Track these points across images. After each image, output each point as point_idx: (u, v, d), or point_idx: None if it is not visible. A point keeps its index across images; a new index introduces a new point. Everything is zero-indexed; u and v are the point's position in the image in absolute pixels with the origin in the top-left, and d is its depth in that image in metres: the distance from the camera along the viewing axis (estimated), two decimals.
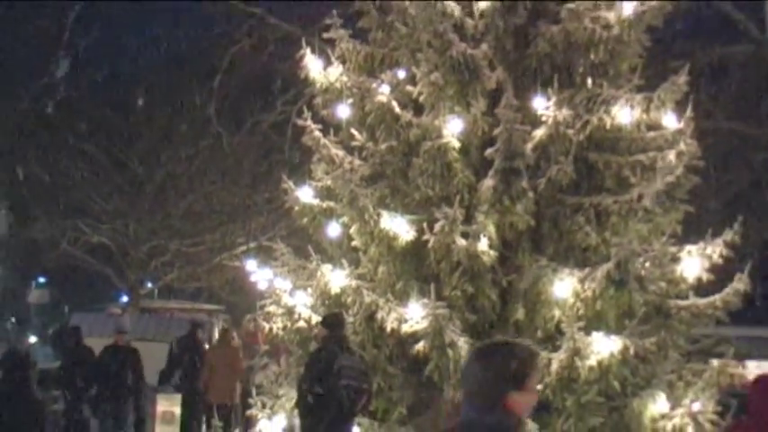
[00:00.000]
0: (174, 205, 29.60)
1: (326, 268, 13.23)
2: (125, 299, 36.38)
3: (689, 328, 13.28)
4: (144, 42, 31.05)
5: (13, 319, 55.87)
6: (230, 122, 27.50)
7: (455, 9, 13.41)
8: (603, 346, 12.27)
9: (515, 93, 13.03)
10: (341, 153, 13.86)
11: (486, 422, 4.79)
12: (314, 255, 13.51)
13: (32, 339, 36.04)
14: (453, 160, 13.00)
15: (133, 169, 29.89)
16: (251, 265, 14.74)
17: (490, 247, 12.70)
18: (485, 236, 12.66)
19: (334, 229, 13.68)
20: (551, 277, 12.66)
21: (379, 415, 12.81)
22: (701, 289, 13.27)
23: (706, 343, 13.48)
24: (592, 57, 13.54)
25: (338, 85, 13.85)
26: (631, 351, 12.36)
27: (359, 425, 12.40)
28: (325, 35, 14.10)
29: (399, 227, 12.94)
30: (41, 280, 55.08)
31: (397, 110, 13.41)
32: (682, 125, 13.38)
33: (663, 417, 12.48)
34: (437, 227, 12.58)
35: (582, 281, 12.50)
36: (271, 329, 13.90)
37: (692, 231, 13.49)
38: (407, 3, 13.68)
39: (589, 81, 13.58)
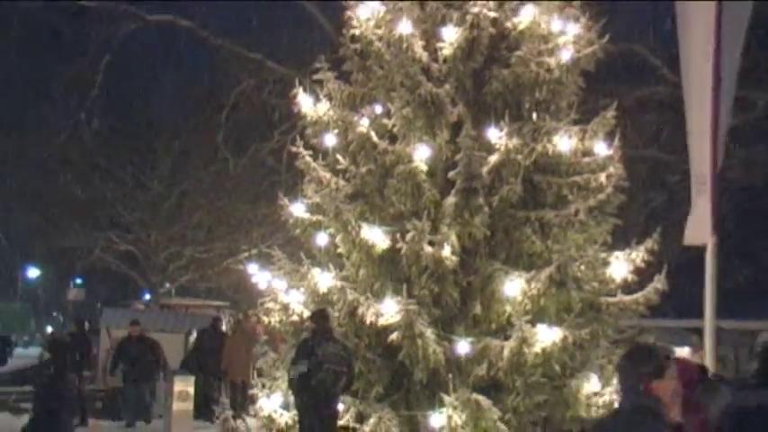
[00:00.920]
0: (188, 218, 29.59)
1: (316, 271, 13.22)
2: (147, 297, 36.26)
3: (617, 320, 13.36)
4: (163, 84, 30.95)
5: (56, 313, 55.73)
6: (236, 149, 27.46)
7: (423, 55, 13.43)
8: (546, 336, 12.35)
9: (473, 125, 13.09)
10: (328, 175, 13.86)
11: (637, 403, 5.22)
12: (305, 260, 13.50)
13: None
14: (422, 181, 13.03)
15: (154, 188, 29.87)
16: (253, 268, 14.65)
17: (452, 253, 12.74)
18: (448, 244, 12.70)
19: (322, 239, 13.66)
20: (503, 278, 12.70)
21: (360, 393, 12.78)
22: (627, 288, 13.33)
23: (631, 332, 13.51)
24: (537, 95, 13.61)
25: (325, 118, 13.85)
26: (569, 340, 12.50)
27: (342, 402, 12.37)
28: (315, 77, 14.10)
29: (377, 237, 12.95)
30: (78, 281, 54.91)
31: (375, 139, 13.44)
32: (611, 152, 13.50)
33: (595, 394, 12.58)
34: (408, 237, 12.64)
35: (529, 281, 12.55)
36: (269, 322, 13.90)
37: (619, 240, 13.54)
38: (383, 50, 13.70)
39: (534, 115, 13.61)
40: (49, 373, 11.14)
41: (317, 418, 12.10)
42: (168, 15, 26.03)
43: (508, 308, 12.65)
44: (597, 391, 12.54)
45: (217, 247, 29.44)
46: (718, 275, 12.91)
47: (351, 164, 13.79)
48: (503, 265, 12.89)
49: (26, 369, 25.30)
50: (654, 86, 23.58)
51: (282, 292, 13.59)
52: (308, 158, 13.94)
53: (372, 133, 13.46)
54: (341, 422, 12.39)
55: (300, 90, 14.04)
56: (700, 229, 12.84)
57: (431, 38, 13.52)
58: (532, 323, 12.40)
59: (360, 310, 12.69)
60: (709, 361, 10.68)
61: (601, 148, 13.48)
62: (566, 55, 13.55)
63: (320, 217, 13.68)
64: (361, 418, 12.46)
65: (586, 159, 13.47)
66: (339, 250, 13.42)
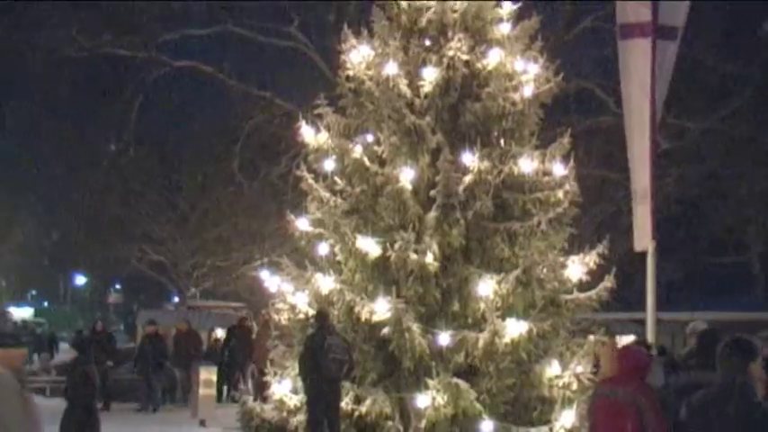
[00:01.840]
0: (209, 233, 29.53)
1: (318, 276, 13.13)
2: (176, 299, 36.15)
3: (573, 314, 13.29)
4: (189, 118, 30.89)
5: (99, 314, 55.50)
6: (249, 174, 27.37)
7: (407, 92, 13.37)
8: (514, 329, 12.31)
9: (450, 150, 13.02)
10: (327, 194, 13.77)
11: (741, 381, 5.43)
12: (309, 266, 13.39)
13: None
14: (407, 199, 12.95)
15: (180, 208, 29.84)
16: (265, 274, 14.52)
17: (434, 259, 12.69)
18: (430, 252, 12.65)
19: (323, 248, 13.56)
20: (477, 280, 12.63)
21: (357, 379, 12.69)
22: (582, 286, 13.28)
23: (585, 324, 13.45)
24: (503, 125, 13.56)
25: (325, 146, 13.77)
26: (534, 331, 12.47)
27: (342, 387, 12.28)
28: (316, 111, 14.01)
29: (370, 246, 12.86)
30: (117, 286, 54.79)
31: (367, 163, 13.37)
32: (566, 172, 13.44)
33: (556, 377, 12.54)
34: (396, 246, 12.57)
35: (499, 282, 12.51)
36: (279, 320, 13.78)
37: (574, 246, 13.49)
38: (373, 88, 13.66)
39: (502, 142, 13.58)
40: (77, 366, 10.89)
41: (324, 400, 12.02)
42: (192, 62, 26.03)
43: (482, 305, 12.56)
44: (558, 374, 12.53)
45: (234, 257, 29.32)
46: (656, 274, 12.96)
47: (347, 185, 13.72)
48: (477, 269, 12.81)
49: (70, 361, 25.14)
50: (601, 116, 23.58)
51: (290, 294, 13.48)
52: (310, 181, 13.85)
53: (365, 158, 13.40)
54: (341, 403, 12.31)
55: (303, 123, 13.96)
56: (642, 235, 12.84)
57: (413, 77, 13.45)
58: (502, 318, 12.37)
59: (356, 309, 12.62)
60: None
61: (558, 169, 13.42)
62: (527, 91, 13.54)
63: (321, 230, 13.58)
64: (358, 401, 12.36)
65: (546, 178, 13.41)
66: (338, 258, 13.34)
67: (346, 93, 14.06)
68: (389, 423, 12.25)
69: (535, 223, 12.98)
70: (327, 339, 12.11)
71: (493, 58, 13.50)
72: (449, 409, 12.11)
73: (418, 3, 13.75)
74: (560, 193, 13.20)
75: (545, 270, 12.85)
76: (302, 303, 13.32)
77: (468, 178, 12.90)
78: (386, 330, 12.36)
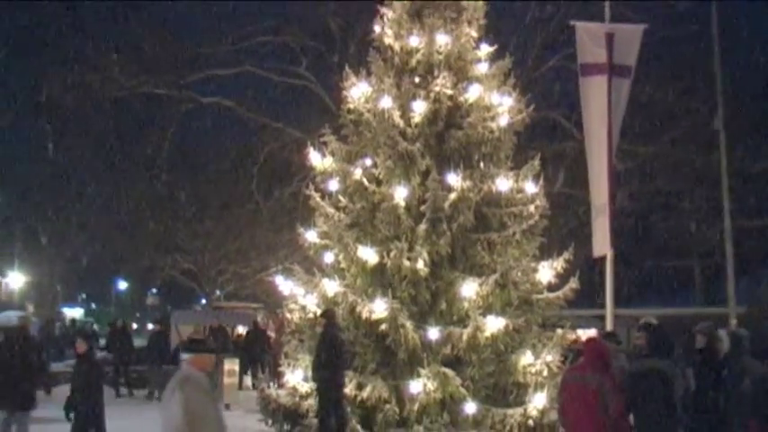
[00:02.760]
0: (231, 244, 29.40)
1: (325, 281, 13.04)
2: (203, 301, 35.95)
3: (544, 311, 13.21)
4: (212, 146, 30.83)
5: (138, 315, 55.38)
6: (265, 193, 27.30)
7: (399, 122, 13.33)
8: (493, 324, 12.28)
9: (438, 172, 12.99)
10: (332, 210, 13.71)
11: None
12: (317, 273, 13.33)
13: (150, 326, 35.42)
14: (400, 213, 12.89)
15: (206, 223, 29.73)
16: (279, 279, 14.42)
17: (424, 265, 12.62)
18: (421, 259, 12.58)
19: (329, 257, 13.49)
20: (462, 283, 12.57)
21: (359, 369, 12.59)
22: (551, 287, 13.24)
23: (554, 320, 13.38)
24: (483, 150, 13.52)
25: (330, 169, 13.72)
26: (510, 326, 12.44)
27: (346, 375, 12.17)
28: (322, 139, 13.97)
29: (369, 255, 12.79)
30: (154, 291, 54.62)
31: (366, 183, 13.33)
32: (537, 189, 13.41)
33: (530, 365, 12.50)
34: (392, 254, 12.55)
35: (480, 285, 12.47)
36: (292, 319, 13.68)
37: (544, 253, 13.42)
38: (371, 119, 13.60)
39: (482, 164, 13.52)
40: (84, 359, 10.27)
41: (330, 387, 11.89)
42: (216, 97, 25.98)
43: (465, 304, 12.53)
44: (531, 362, 12.49)
45: (253, 265, 29.18)
46: (614, 277, 12.90)
47: (349, 202, 13.66)
48: (461, 273, 12.75)
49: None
50: (565, 142, 23.54)
51: (301, 297, 13.42)
52: (317, 199, 13.80)
53: (364, 179, 13.36)
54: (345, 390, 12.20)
55: (311, 149, 13.91)
56: (603, 244, 12.77)
57: (405, 110, 13.41)
58: (483, 315, 12.34)
59: (357, 309, 12.53)
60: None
61: (529, 187, 13.37)
62: (503, 120, 13.52)
63: (327, 241, 13.51)
64: (360, 387, 12.25)
65: (519, 195, 13.37)
66: (341, 265, 13.25)
67: (348, 123, 14.03)
68: (387, 406, 12.14)
69: (510, 234, 13.00)
70: (339, 335, 12.08)
71: (473, 93, 13.49)
72: (438, 394, 12.04)
73: (409, 46, 13.75)
74: (532, 208, 13.19)
75: (519, 274, 12.82)
76: (311, 304, 13.27)
77: (452, 195, 12.86)
78: (383, 327, 12.29)
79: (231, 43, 25.20)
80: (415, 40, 13.70)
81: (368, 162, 13.55)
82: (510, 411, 12.13)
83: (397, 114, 13.33)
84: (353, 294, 12.73)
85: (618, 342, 10.11)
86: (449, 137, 13.38)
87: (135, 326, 26.65)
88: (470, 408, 12.07)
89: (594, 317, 20.03)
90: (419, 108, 13.26)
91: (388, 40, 13.93)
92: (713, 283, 29.97)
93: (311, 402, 12.56)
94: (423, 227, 12.72)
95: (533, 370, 12.42)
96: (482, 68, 13.82)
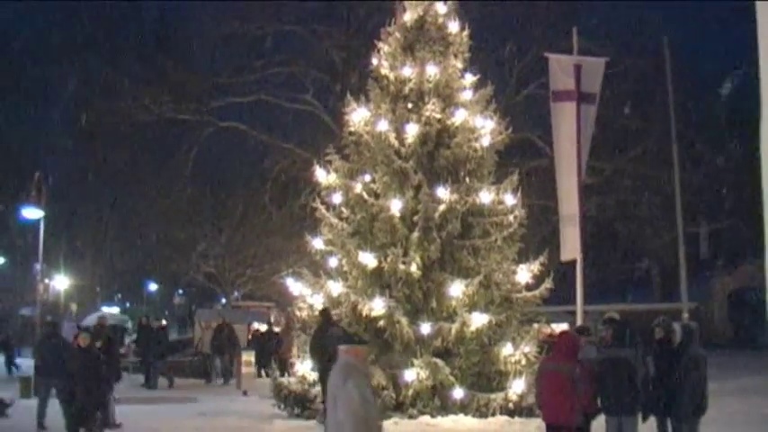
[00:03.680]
0: (247, 250, 29.35)
1: (330, 282, 13.01)
2: (223, 301, 35.79)
3: (522, 308, 13.14)
4: (229, 164, 30.76)
5: (167, 312, 55.19)
6: (277, 206, 27.23)
7: (395, 142, 13.29)
8: (478, 320, 12.24)
9: (429, 186, 12.94)
10: (336, 220, 13.65)
11: None
12: (323, 275, 13.29)
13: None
14: (396, 223, 12.86)
15: (226, 232, 29.67)
16: (290, 281, 14.36)
17: (417, 268, 12.59)
18: (414, 263, 12.54)
19: (333, 262, 13.44)
20: (450, 284, 12.52)
21: None
22: (528, 287, 13.18)
23: (531, 315, 13.33)
24: (468, 166, 13.49)
25: (334, 184, 13.67)
26: (493, 322, 12.39)
27: None
28: (327, 158, 13.92)
29: (368, 259, 12.74)
30: (180, 292, 54.45)
31: (366, 197, 13.27)
32: (515, 201, 13.36)
33: (510, 355, 12.43)
34: (389, 259, 12.53)
35: (466, 285, 12.43)
36: (301, 316, 13.61)
37: (522, 257, 13.37)
38: (369, 139, 13.56)
39: (467, 179, 13.47)
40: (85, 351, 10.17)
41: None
42: (234, 122, 25.96)
43: (453, 302, 12.47)
44: (511, 353, 12.42)
45: (266, 269, 29.03)
46: (583, 277, 12.86)
47: (350, 213, 13.60)
48: (449, 275, 12.69)
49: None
50: (540, 160, 23.51)
51: (308, 297, 13.35)
52: (323, 210, 13.74)
53: (364, 193, 13.31)
54: None
55: (317, 166, 13.87)
56: (571, 249, 12.74)
57: (399, 132, 13.37)
58: (469, 312, 12.30)
59: (359, 307, 12.47)
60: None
61: (509, 199, 13.32)
62: (485, 141, 13.48)
63: (332, 247, 13.47)
64: None
65: (500, 206, 13.31)
66: (344, 269, 13.19)
67: (349, 144, 13.98)
68: (385, 392, 12.04)
69: (493, 240, 12.96)
70: (330, 329, 11.96)
71: (459, 117, 13.45)
72: (429, 381, 11.97)
73: (402, 76, 13.73)
74: (511, 218, 13.14)
75: (501, 275, 12.79)
76: (318, 303, 13.18)
77: (442, 207, 12.81)
78: (381, 323, 12.25)
79: (247, 74, 25.22)
80: (407, 71, 13.67)
81: (367, 178, 13.51)
82: (493, 396, 12.06)
83: (392, 136, 13.29)
84: (355, 294, 12.66)
85: (589, 334, 10.07)
86: (438, 155, 13.34)
87: (164, 322, 26.33)
88: (458, 393, 12.00)
89: (566, 312, 19.95)
90: (412, 130, 13.22)
91: (385, 71, 13.90)
92: (668, 282, 30.00)
93: (318, 389, 12.48)
94: (416, 234, 12.67)
95: (513, 360, 12.35)
96: (467, 95, 13.78)
